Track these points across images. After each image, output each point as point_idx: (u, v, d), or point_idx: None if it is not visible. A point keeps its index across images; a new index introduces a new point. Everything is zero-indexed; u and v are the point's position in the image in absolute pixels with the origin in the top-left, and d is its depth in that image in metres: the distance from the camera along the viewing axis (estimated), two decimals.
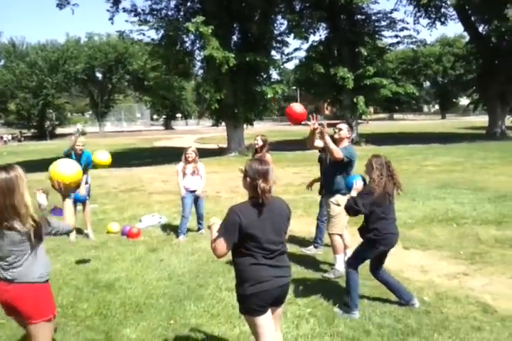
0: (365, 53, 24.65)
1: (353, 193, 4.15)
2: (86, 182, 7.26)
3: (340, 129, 5.12)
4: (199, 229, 7.41)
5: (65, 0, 23.75)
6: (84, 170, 7.04)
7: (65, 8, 24.03)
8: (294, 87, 53.78)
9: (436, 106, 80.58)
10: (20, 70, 55.14)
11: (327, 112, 71.38)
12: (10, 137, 53.68)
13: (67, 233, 2.96)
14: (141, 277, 5.38)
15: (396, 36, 26.45)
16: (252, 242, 2.77)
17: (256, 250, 2.78)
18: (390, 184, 4.11)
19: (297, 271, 5.28)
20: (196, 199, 7.18)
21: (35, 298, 2.79)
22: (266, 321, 2.85)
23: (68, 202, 3.17)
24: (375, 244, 4.18)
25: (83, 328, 4.12)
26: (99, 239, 7.13)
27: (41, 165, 19.56)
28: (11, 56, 58.64)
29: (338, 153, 4.88)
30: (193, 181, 7.06)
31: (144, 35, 22.90)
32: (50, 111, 61.54)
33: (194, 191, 7.09)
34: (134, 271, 5.59)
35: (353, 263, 4.33)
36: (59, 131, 63.08)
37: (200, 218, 7.35)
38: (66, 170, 3.25)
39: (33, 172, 16.24)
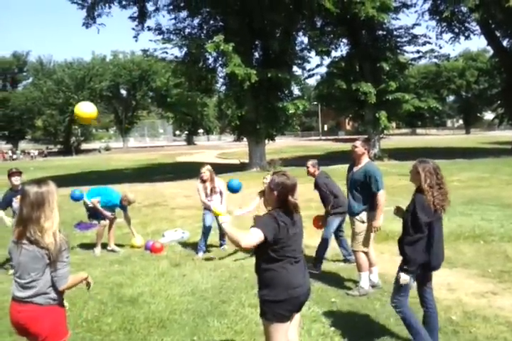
0: (387, 68, 24.63)
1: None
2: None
3: (354, 147, 5.11)
4: (221, 245, 7.37)
5: (91, 19, 24.50)
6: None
7: (91, 27, 24.79)
8: (316, 103, 53.92)
9: (460, 121, 79.60)
10: (48, 87, 56.82)
11: (348, 127, 71.23)
12: (36, 152, 55.05)
13: (56, 280, 2.69)
14: (165, 292, 5.40)
15: (418, 51, 26.40)
16: (285, 249, 2.85)
17: (287, 256, 2.86)
18: (440, 196, 3.52)
19: (321, 288, 5.23)
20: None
21: (50, 319, 2.73)
22: (287, 328, 2.92)
23: (79, 276, 2.97)
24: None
25: None
26: (123, 254, 7.20)
27: (67, 180, 20.00)
28: (38, 74, 60.61)
29: (382, 196, 4.96)
30: (213, 199, 6.97)
31: (167, 53, 23.38)
32: (76, 127, 62.97)
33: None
34: (158, 286, 5.61)
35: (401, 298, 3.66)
36: (84, 146, 64.46)
37: (222, 235, 7.29)
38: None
39: (59, 187, 16.61)
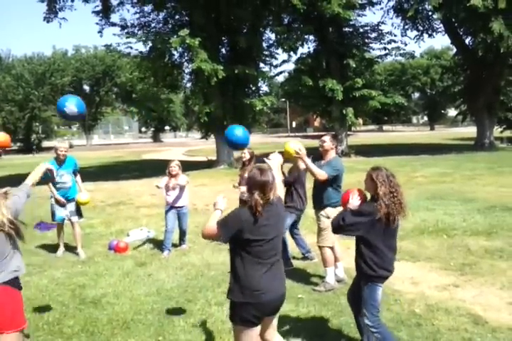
0: (354, 65, 24.88)
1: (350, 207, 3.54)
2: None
3: (323, 141, 5.12)
4: (180, 245, 7.25)
5: (52, 13, 23.76)
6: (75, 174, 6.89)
7: (52, 22, 24.05)
8: (284, 99, 54.14)
9: (425, 118, 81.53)
10: (6, 83, 54.82)
11: (316, 124, 71.87)
12: None
13: (28, 195, 3.08)
14: (129, 292, 5.28)
15: (384, 48, 26.80)
16: (254, 248, 2.73)
17: (255, 256, 2.73)
18: (392, 205, 3.32)
19: (288, 284, 5.21)
20: (181, 215, 7.00)
21: (12, 305, 2.69)
22: (256, 333, 2.80)
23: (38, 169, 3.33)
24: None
25: None
26: (87, 254, 7.00)
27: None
28: None
29: (321, 175, 4.89)
30: (178, 196, 6.88)
31: (131, 48, 22.91)
32: (37, 124, 61.08)
33: (177, 206, 6.92)
34: (122, 287, 5.48)
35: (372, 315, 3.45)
36: (45, 144, 62.61)
37: (182, 234, 7.20)
38: None
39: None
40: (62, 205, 6.76)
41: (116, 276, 5.87)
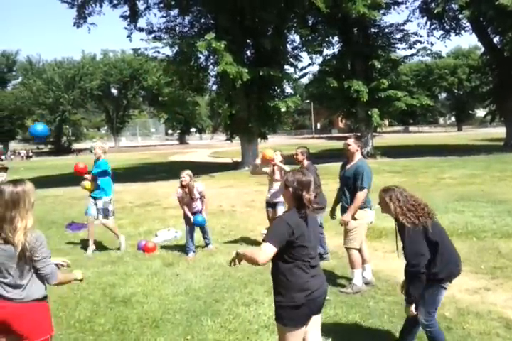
0: (379, 66, 24.70)
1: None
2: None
3: (348, 145, 5.14)
4: (206, 245, 7.30)
5: (81, 19, 24.32)
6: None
7: (81, 27, 24.61)
8: (308, 101, 53.96)
9: (452, 118, 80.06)
10: (37, 87, 56.38)
11: (341, 125, 71.40)
12: (24, 153, 54.63)
13: (45, 277, 2.74)
14: (158, 292, 5.36)
15: (410, 48, 26.47)
16: (302, 251, 2.78)
17: (304, 258, 2.79)
18: (416, 213, 3.37)
19: None
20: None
21: (33, 316, 2.72)
22: (302, 332, 2.86)
23: (77, 275, 3.05)
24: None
25: None
26: (116, 254, 7.15)
27: (58, 180, 19.81)
28: (28, 73, 60.13)
29: (362, 195, 4.96)
30: (193, 204, 6.91)
31: (158, 52, 23.29)
32: (67, 126, 62.60)
33: (193, 213, 6.91)
34: (151, 286, 5.58)
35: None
36: (75, 146, 64.05)
37: (204, 233, 7.23)
38: None
39: (51, 188, 16.47)
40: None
41: (145, 276, 5.97)
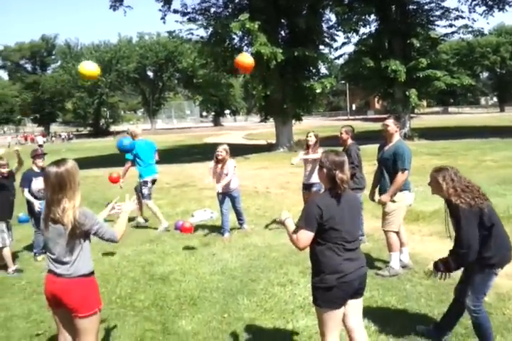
0: (418, 45, 23.89)
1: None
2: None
3: (387, 125, 5.00)
4: (240, 225, 7.37)
5: (117, 1, 24.50)
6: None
7: (118, 10, 24.81)
8: (343, 81, 52.98)
9: (495, 99, 76.96)
10: (76, 70, 57.44)
11: (378, 106, 69.91)
12: (65, 135, 56.24)
13: (110, 241, 2.96)
14: (195, 271, 5.49)
15: (450, 26, 25.43)
16: (333, 233, 2.80)
17: (337, 241, 2.80)
18: (471, 194, 3.22)
19: None
20: (231, 197, 7.00)
21: (82, 292, 2.82)
22: (340, 315, 2.88)
23: (124, 215, 3.17)
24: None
25: (141, 319, 4.26)
26: (154, 234, 7.34)
27: (98, 161, 20.33)
28: (66, 57, 61.40)
29: (403, 176, 4.86)
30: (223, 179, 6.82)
31: (192, 34, 23.26)
32: (105, 109, 63.90)
33: (226, 189, 6.84)
34: (188, 265, 5.71)
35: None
36: (113, 128, 65.43)
37: (238, 215, 7.27)
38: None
39: (91, 168, 16.94)
40: None
41: (182, 255, 6.11)
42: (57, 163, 2.84)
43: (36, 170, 6.29)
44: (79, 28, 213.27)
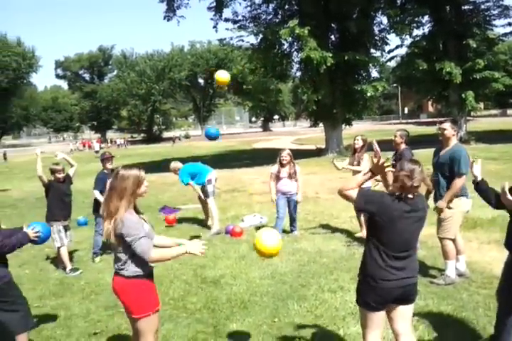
0: (474, 45, 23.00)
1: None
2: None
3: (443, 129, 4.83)
4: (292, 231, 7.39)
5: (171, 12, 25.24)
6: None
7: (171, 20, 25.56)
8: (395, 85, 51.83)
9: None
10: (131, 79, 59.66)
11: (431, 109, 67.88)
12: (122, 141, 58.26)
13: (140, 255, 2.83)
14: (245, 274, 5.54)
15: (510, 24, 24.34)
16: (385, 237, 2.79)
17: (386, 246, 2.79)
18: None
19: None
20: (291, 202, 7.14)
21: (134, 292, 2.87)
22: (378, 317, 2.88)
23: (181, 250, 2.91)
24: None
25: (193, 321, 4.35)
26: (205, 237, 7.46)
27: (150, 166, 20.96)
28: (122, 66, 63.78)
29: (460, 181, 4.69)
30: (289, 184, 7.03)
31: (243, 41, 23.57)
32: (157, 116, 65.77)
33: (288, 194, 7.05)
34: (238, 269, 5.77)
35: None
36: (165, 134, 67.22)
37: (292, 220, 7.34)
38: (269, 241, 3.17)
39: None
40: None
41: (233, 259, 6.19)
42: (125, 166, 2.99)
43: (106, 172, 6.62)
44: (134, 39, 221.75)
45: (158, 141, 61.63)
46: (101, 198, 6.44)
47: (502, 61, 26.84)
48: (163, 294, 5.04)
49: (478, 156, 16.33)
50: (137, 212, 3.02)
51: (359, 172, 6.51)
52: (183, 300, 4.86)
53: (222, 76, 6.41)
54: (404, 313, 2.95)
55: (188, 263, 6.13)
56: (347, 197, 2.87)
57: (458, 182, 4.69)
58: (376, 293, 2.80)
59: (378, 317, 2.88)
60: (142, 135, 67.85)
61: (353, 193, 2.83)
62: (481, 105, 42.57)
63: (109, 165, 6.64)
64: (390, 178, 2.91)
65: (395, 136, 5.99)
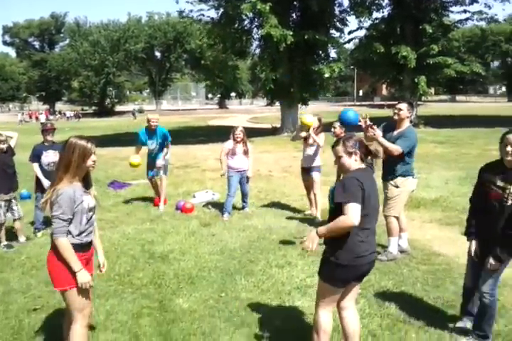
0: (430, 31, 23.46)
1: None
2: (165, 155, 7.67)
3: (399, 109, 4.90)
4: (243, 207, 7.44)
5: None
6: (162, 145, 7.57)
7: None
8: (352, 67, 52.41)
9: (504, 88, 76.04)
10: (84, 49, 57.10)
11: (384, 93, 69.31)
12: (72, 114, 56.05)
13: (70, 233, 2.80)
14: (194, 250, 5.52)
15: (465, 11, 24.96)
16: (365, 209, 2.73)
17: (364, 220, 2.74)
18: None
19: None
20: (243, 178, 7.20)
21: (51, 263, 2.85)
22: (338, 294, 2.93)
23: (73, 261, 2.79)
24: None
25: (139, 296, 4.30)
26: (155, 213, 7.36)
27: (101, 140, 20.38)
28: (75, 35, 60.85)
29: (396, 150, 4.77)
30: (243, 161, 7.08)
31: (203, 15, 22.96)
32: (111, 89, 63.53)
33: (242, 171, 7.11)
34: (187, 244, 5.74)
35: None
36: (118, 108, 65.23)
37: (244, 196, 7.40)
38: None
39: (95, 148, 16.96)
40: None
41: (183, 235, 6.14)
42: (76, 136, 2.92)
43: (46, 144, 6.33)
44: (88, 7, 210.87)
45: (111, 114, 59.77)
46: (38, 172, 6.21)
47: (455, 48, 27.64)
48: (109, 269, 4.91)
49: (426, 140, 16.81)
50: (87, 185, 2.93)
51: (312, 146, 6.60)
52: (129, 276, 4.78)
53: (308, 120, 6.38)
54: (355, 289, 3.03)
55: (136, 238, 6.04)
56: (353, 223, 2.68)
57: (396, 149, 4.76)
58: (349, 270, 2.80)
59: (339, 293, 2.92)
60: (94, 108, 65.54)
61: (354, 214, 2.65)
62: (432, 90, 43.87)
63: (49, 137, 6.34)
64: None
65: (335, 127, 6.09)
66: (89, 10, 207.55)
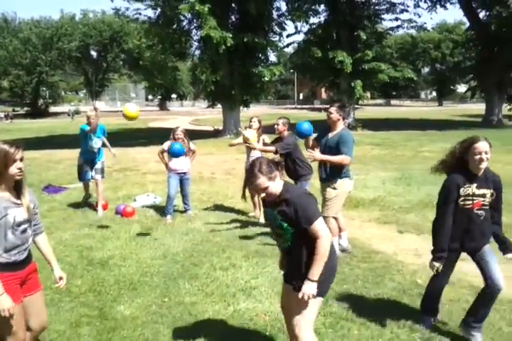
0: (364, 37, 24.42)
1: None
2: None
3: (330, 113, 5.05)
4: (186, 210, 7.32)
5: None
6: (103, 144, 7.52)
7: None
8: (292, 71, 53.35)
9: (434, 93, 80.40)
10: (14, 47, 54.15)
11: (324, 96, 71.09)
12: (2, 115, 52.92)
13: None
14: (136, 255, 5.37)
15: (396, 19, 26.21)
16: None
17: None
18: None
19: None
20: (184, 180, 7.10)
21: None
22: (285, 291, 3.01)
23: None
24: None
25: (77, 304, 4.12)
26: (93, 218, 7.10)
27: (34, 143, 19.44)
28: (3, 32, 57.52)
29: (346, 159, 4.90)
30: (183, 163, 6.96)
31: (140, 14, 22.46)
32: (44, 88, 60.68)
33: (181, 173, 7.00)
34: (128, 250, 5.57)
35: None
36: (52, 109, 62.42)
37: (184, 199, 7.28)
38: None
39: (26, 150, 16.14)
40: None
41: (123, 240, 5.95)
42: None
43: None
44: (18, 2, 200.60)
45: (45, 115, 57.07)
46: None
47: (388, 54, 28.92)
48: (45, 278, 4.67)
49: (364, 142, 17.44)
50: (18, 194, 2.69)
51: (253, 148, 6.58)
52: (66, 284, 4.55)
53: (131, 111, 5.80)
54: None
55: (74, 244, 5.78)
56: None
57: (343, 158, 4.88)
58: (332, 277, 2.84)
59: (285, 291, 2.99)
60: (26, 108, 62.30)
61: (325, 231, 2.72)
62: (368, 94, 45.51)
63: None
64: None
65: (278, 124, 6.15)
66: (19, 5, 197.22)
